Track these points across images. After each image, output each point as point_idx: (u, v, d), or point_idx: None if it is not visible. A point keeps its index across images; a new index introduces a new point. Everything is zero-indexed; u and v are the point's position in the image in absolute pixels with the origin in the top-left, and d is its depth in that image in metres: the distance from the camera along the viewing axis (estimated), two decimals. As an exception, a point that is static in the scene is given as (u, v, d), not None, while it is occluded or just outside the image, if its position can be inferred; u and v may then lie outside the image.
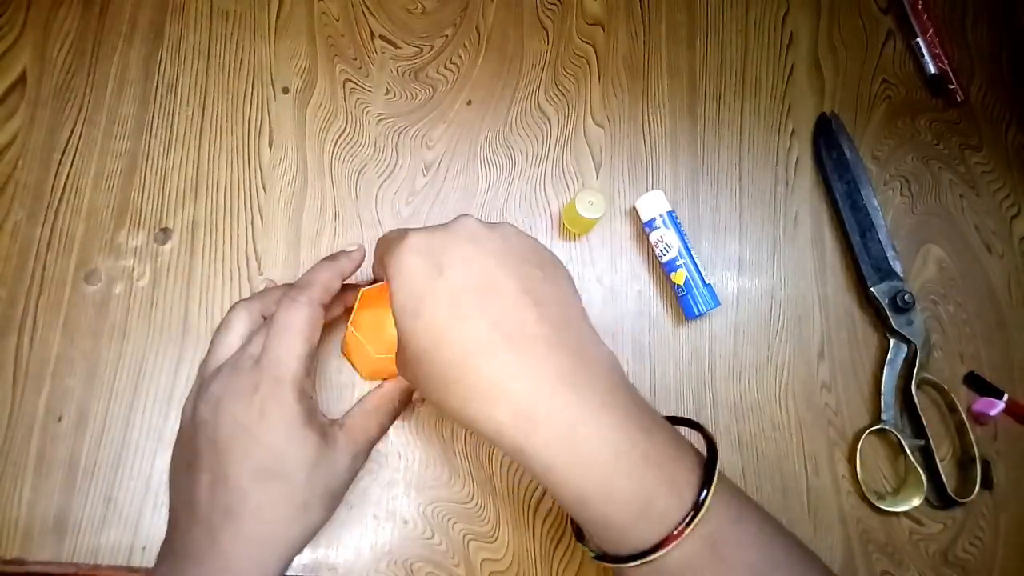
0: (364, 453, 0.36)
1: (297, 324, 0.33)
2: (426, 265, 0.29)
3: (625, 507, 0.27)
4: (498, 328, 0.28)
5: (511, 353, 0.28)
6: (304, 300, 0.34)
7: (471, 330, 0.28)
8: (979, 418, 0.46)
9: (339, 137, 0.47)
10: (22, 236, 0.43)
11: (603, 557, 0.30)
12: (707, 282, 0.45)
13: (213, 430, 0.32)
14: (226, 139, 0.46)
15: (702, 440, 0.32)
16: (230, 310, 0.36)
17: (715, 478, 0.28)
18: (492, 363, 0.28)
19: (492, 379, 0.28)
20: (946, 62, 0.52)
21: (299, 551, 0.32)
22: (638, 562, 0.27)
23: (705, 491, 0.27)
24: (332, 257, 0.38)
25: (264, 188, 0.45)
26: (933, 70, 0.51)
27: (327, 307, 0.36)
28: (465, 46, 0.50)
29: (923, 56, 0.51)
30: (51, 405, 0.41)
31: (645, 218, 0.46)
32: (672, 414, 0.35)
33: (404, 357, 0.31)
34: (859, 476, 0.44)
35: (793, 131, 0.51)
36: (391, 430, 0.42)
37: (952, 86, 0.51)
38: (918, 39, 0.51)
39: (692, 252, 0.45)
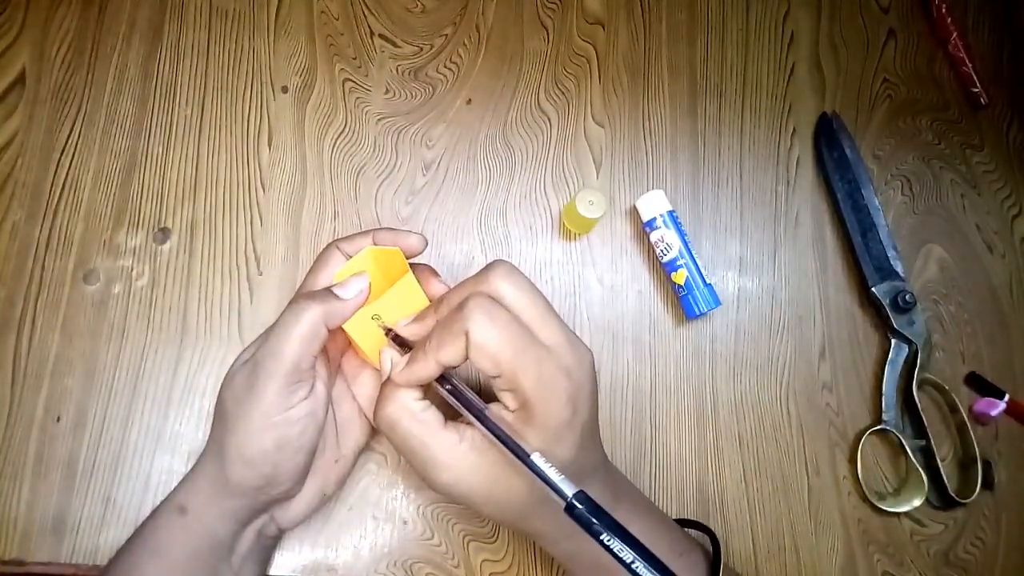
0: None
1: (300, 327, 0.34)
2: (570, 401, 0.31)
3: None
4: (594, 460, 0.34)
5: (593, 479, 0.34)
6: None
7: (586, 461, 0.33)
8: (980, 418, 0.46)
9: (338, 136, 0.47)
10: (21, 236, 0.43)
11: None
12: (708, 282, 0.44)
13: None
14: (225, 138, 0.46)
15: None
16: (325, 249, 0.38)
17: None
18: (584, 486, 0.31)
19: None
20: (970, 66, 0.52)
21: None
22: None
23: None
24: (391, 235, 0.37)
25: (263, 187, 0.45)
26: (978, 94, 0.52)
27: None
28: (465, 45, 0.50)
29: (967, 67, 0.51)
30: (50, 405, 0.41)
31: (645, 218, 0.45)
32: (680, 517, 0.41)
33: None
34: (860, 476, 0.44)
35: (794, 130, 0.51)
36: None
37: (976, 89, 0.51)
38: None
39: (693, 252, 0.45)
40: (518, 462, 0.29)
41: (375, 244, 0.36)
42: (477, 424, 0.31)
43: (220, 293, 0.43)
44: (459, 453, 0.31)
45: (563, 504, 0.28)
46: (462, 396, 0.32)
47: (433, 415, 0.32)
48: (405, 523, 0.41)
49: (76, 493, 0.39)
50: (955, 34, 0.52)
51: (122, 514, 0.40)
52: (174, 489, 0.35)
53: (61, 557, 0.39)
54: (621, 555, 0.27)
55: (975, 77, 0.52)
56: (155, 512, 0.35)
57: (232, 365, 0.35)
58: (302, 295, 0.34)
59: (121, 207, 0.44)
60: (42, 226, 0.43)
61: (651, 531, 0.35)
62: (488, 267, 0.33)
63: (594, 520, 0.27)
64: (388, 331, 0.35)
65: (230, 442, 0.33)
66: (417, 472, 0.32)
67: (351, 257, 0.36)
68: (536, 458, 0.29)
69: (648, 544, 0.32)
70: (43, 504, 0.39)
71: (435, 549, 0.41)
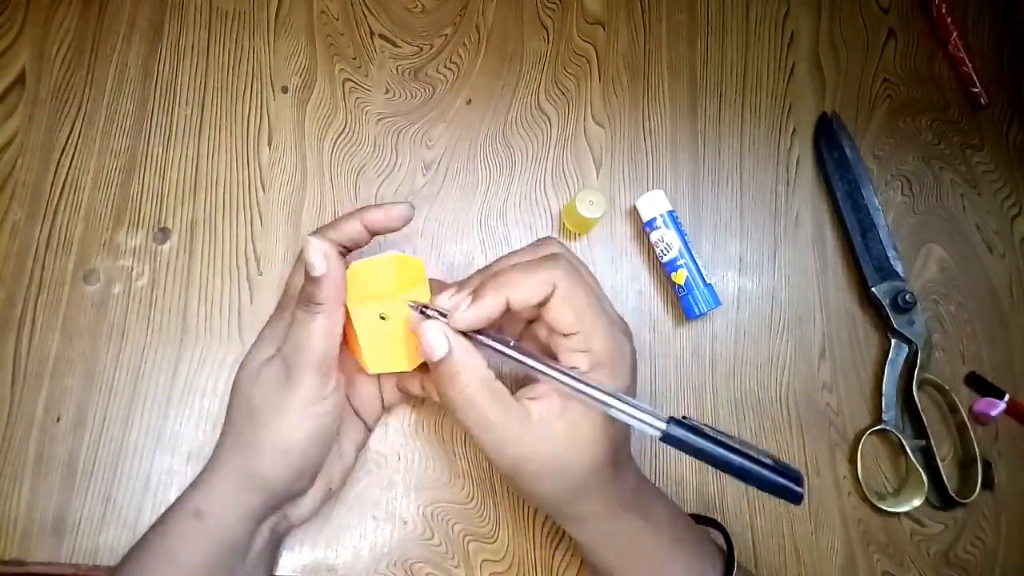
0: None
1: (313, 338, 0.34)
2: (632, 370, 0.34)
3: None
4: (626, 446, 0.35)
5: (629, 458, 0.35)
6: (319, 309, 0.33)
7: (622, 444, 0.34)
8: (980, 418, 0.46)
9: (338, 136, 0.47)
10: (21, 236, 0.43)
11: None
12: (708, 282, 0.44)
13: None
14: (225, 138, 0.46)
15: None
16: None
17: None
18: (617, 468, 0.34)
19: (611, 482, 0.33)
20: (970, 66, 0.52)
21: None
22: None
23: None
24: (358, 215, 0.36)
25: (263, 187, 0.45)
26: (978, 94, 0.52)
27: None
28: (465, 45, 0.50)
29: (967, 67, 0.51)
30: (50, 405, 0.41)
31: (645, 218, 0.45)
32: (693, 512, 0.40)
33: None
34: (860, 476, 0.44)
35: (794, 130, 0.51)
36: (390, 431, 0.42)
37: (976, 89, 0.51)
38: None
39: (693, 252, 0.45)
40: (600, 405, 0.30)
41: (364, 225, 0.35)
42: (558, 376, 0.31)
43: (220, 293, 0.43)
44: (530, 426, 0.31)
45: (658, 435, 0.30)
46: (532, 355, 0.32)
47: (502, 388, 0.32)
48: (405, 523, 0.41)
49: (76, 493, 0.39)
50: (955, 34, 0.52)
51: (122, 514, 0.40)
52: (185, 494, 0.35)
53: (61, 557, 0.39)
54: (726, 465, 0.29)
55: (975, 77, 0.52)
56: (166, 518, 0.35)
57: (246, 366, 0.36)
58: (303, 292, 0.34)
59: (121, 207, 0.44)
60: (42, 226, 0.43)
61: (673, 520, 0.36)
62: (543, 242, 0.35)
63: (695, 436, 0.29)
64: (422, 308, 0.33)
65: (263, 436, 0.34)
66: (486, 449, 0.32)
67: (338, 244, 0.35)
68: (619, 398, 0.30)
69: (671, 533, 0.35)
70: (43, 504, 0.39)
71: (435, 549, 0.41)
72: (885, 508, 0.44)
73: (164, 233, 0.44)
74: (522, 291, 0.31)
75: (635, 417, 0.30)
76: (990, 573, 0.44)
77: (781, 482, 0.28)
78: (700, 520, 0.39)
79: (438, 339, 0.31)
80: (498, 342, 0.32)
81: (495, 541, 0.41)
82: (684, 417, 0.30)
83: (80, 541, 0.39)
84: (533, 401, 0.32)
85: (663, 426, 0.29)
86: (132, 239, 0.44)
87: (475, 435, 0.32)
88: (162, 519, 0.35)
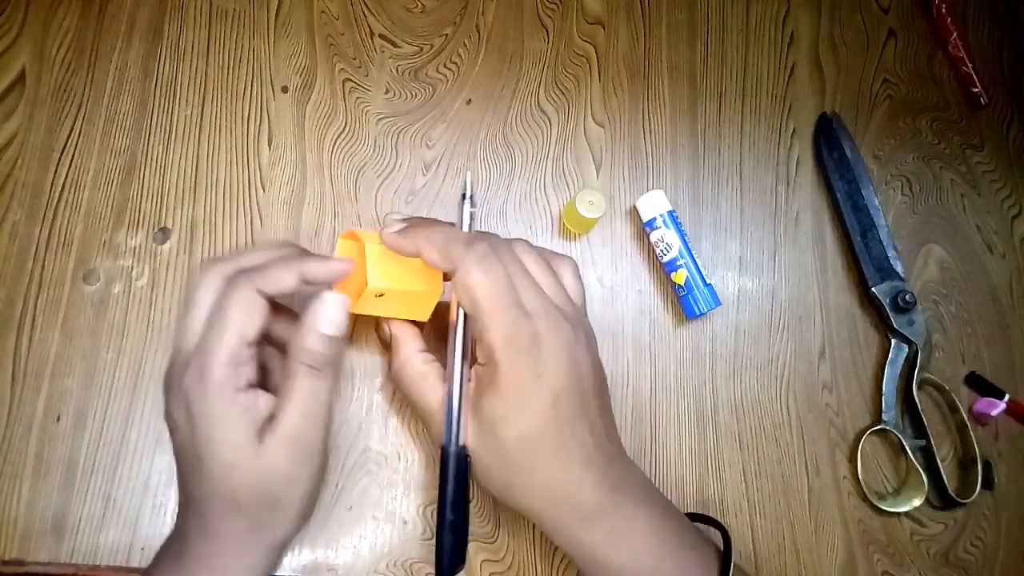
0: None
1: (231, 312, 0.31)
2: (533, 363, 0.32)
3: None
4: (581, 445, 0.33)
5: (584, 467, 0.33)
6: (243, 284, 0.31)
7: (565, 440, 0.33)
8: (980, 418, 0.46)
9: (338, 136, 0.47)
10: (21, 236, 0.43)
11: None
12: (708, 282, 0.44)
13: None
14: (225, 138, 0.46)
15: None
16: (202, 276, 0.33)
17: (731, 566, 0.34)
18: (568, 473, 0.33)
19: (562, 485, 0.33)
20: (970, 66, 0.52)
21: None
22: None
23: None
24: (303, 256, 0.35)
25: (263, 187, 0.45)
26: (978, 94, 0.52)
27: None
28: (465, 45, 0.50)
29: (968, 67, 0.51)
30: (49, 405, 0.41)
31: (645, 218, 0.45)
32: (691, 511, 0.40)
33: (491, 433, 0.33)
34: (860, 476, 0.44)
35: (794, 130, 0.51)
36: (390, 431, 0.42)
37: (976, 89, 0.51)
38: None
39: (693, 252, 0.45)
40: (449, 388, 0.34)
41: (302, 278, 0.33)
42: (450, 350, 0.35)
43: (220, 293, 0.43)
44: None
45: (450, 446, 0.33)
46: (453, 339, 0.35)
47: (433, 368, 0.36)
48: (405, 523, 0.41)
49: (76, 493, 0.39)
50: (955, 34, 0.52)
51: (122, 514, 0.39)
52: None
53: (61, 557, 0.39)
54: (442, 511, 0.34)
55: (975, 77, 0.52)
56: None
57: (239, 463, 0.30)
58: (312, 355, 0.32)
59: (121, 207, 0.44)
60: (42, 226, 0.43)
61: (660, 524, 0.34)
62: (474, 239, 0.35)
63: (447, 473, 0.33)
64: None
65: (290, 514, 0.32)
66: (422, 423, 0.36)
67: (264, 294, 0.32)
68: (455, 395, 0.34)
69: (657, 538, 0.34)
70: (43, 504, 0.39)
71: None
72: (885, 508, 0.44)
73: (164, 233, 0.44)
74: (430, 253, 0.33)
75: (452, 414, 0.34)
76: (990, 573, 0.44)
77: (441, 554, 0.34)
78: (698, 519, 0.39)
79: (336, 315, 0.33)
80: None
81: (495, 541, 0.41)
82: (467, 458, 0.34)
83: (80, 541, 0.39)
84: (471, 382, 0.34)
85: (453, 447, 0.34)
86: (132, 239, 0.44)
87: (411, 408, 0.37)
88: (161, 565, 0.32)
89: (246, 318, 0.31)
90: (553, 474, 0.32)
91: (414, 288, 0.36)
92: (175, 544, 0.33)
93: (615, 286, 0.46)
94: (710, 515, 0.39)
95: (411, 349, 0.36)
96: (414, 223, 0.35)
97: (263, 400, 0.31)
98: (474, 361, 0.35)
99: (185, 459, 0.31)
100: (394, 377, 0.37)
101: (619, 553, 0.33)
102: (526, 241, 0.36)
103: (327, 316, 0.31)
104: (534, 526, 0.41)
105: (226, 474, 0.30)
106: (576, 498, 0.32)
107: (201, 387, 0.30)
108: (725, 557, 0.35)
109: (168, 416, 0.32)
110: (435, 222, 0.36)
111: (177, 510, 0.35)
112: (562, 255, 0.38)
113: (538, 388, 0.32)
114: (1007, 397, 0.45)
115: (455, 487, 0.34)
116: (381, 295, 0.35)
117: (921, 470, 0.44)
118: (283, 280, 0.32)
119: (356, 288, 0.35)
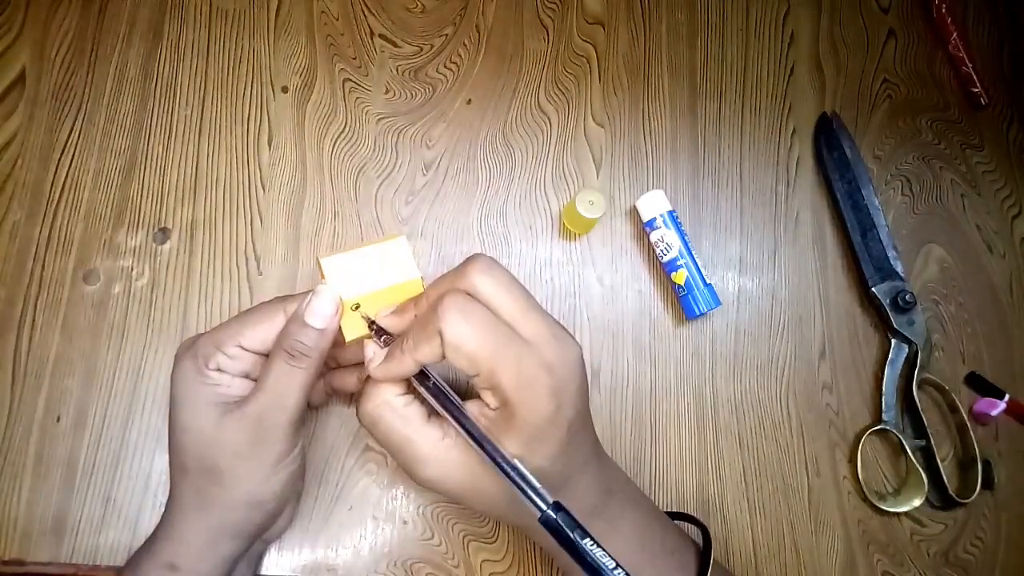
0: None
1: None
2: (553, 397, 0.30)
3: None
4: (582, 452, 0.33)
5: (583, 472, 0.33)
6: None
7: (572, 457, 0.32)
8: (980, 418, 0.46)
9: (338, 136, 0.47)
10: (21, 236, 0.43)
11: None
12: (708, 282, 0.44)
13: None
14: (225, 138, 0.46)
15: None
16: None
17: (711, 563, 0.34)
18: (568, 481, 0.32)
19: (561, 494, 0.32)
20: (970, 66, 0.52)
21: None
22: None
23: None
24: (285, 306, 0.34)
25: (263, 187, 0.45)
26: (978, 94, 0.51)
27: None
28: (465, 45, 0.50)
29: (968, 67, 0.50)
30: (50, 405, 0.41)
31: (645, 218, 0.45)
32: (675, 510, 0.40)
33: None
34: (860, 476, 0.44)
35: (794, 130, 0.51)
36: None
37: (976, 89, 0.51)
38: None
39: (693, 252, 0.45)
40: (495, 467, 0.29)
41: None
42: (454, 425, 0.31)
43: (220, 293, 0.43)
44: (442, 449, 0.31)
45: (538, 514, 0.28)
46: (440, 395, 0.31)
47: (415, 411, 0.32)
48: (405, 523, 0.41)
49: (76, 493, 0.39)
50: (955, 34, 0.52)
51: (122, 514, 0.39)
52: (155, 545, 0.33)
53: (61, 557, 0.39)
54: (597, 565, 0.27)
55: (975, 77, 0.52)
56: (138, 568, 0.33)
57: (194, 427, 0.32)
58: (292, 342, 0.32)
59: (121, 207, 0.44)
60: (42, 226, 0.43)
61: (643, 527, 0.35)
62: (466, 261, 0.32)
63: (568, 531, 0.28)
64: (371, 323, 0.34)
65: (231, 495, 0.32)
66: (403, 468, 0.32)
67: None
68: (511, 463, 0.29)
69: (638, 543, 0.33)
70: (43, 504, 0.39)
71: (435, 549, 0.41)
72: (885, 508, 0.44)
73: (164, 233, 0.44)
74: (422, 351, 0.30)
75: (520, 488, 0.29)
76: (990, 573, 0.44)
77: None
78: (679, 517, 0.38)
79: (367, 354, 0.32)
80: (423, 375, 0.32)
81: (495, 541, 0.41)
82: (563, 509, 0.29)
83: (80, 541, 0.39)
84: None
85: (544, 508, 0.28)
86: (132, 239, 0.44)
87: (390, 454, 0.32)
88: (134, 565, 0.34)
89: (260, 324, 0.33)
90: (556, 490, 0.31)
91: (389, 284, 0.34)
92: None
93: (615, 286, 0.46)
94: (692, 514, 0.38)
95: (388, 391, 0.32)
96: (395, 343, 0.32)
97: (238, 383, 0.33)
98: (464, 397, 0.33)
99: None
100: (367, 418, 0.32)
101: (615, 552, 0.32)
102: (480, 258, 0.32)
103: (315, 307, 0.31)
104: (534, 526, 0.41)
105: (178, 437, 0.33)
106: (571, 504, 0.31)
107: (187, 355, 0.33)
108: (704, 557, 0.35)
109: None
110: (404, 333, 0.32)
111: None
112: (475, 259, 0.32)
113: (557, 420, 0.30)
114: (1007, 397, 0.45)
115: (581, 548, 0.28)
116: (357, 307, 0.33)
117: (921, 470, 0.44)
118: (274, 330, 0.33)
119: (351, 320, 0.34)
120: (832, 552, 0.43)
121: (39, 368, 0.41)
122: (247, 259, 0.44)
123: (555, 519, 0.28)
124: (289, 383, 0.32)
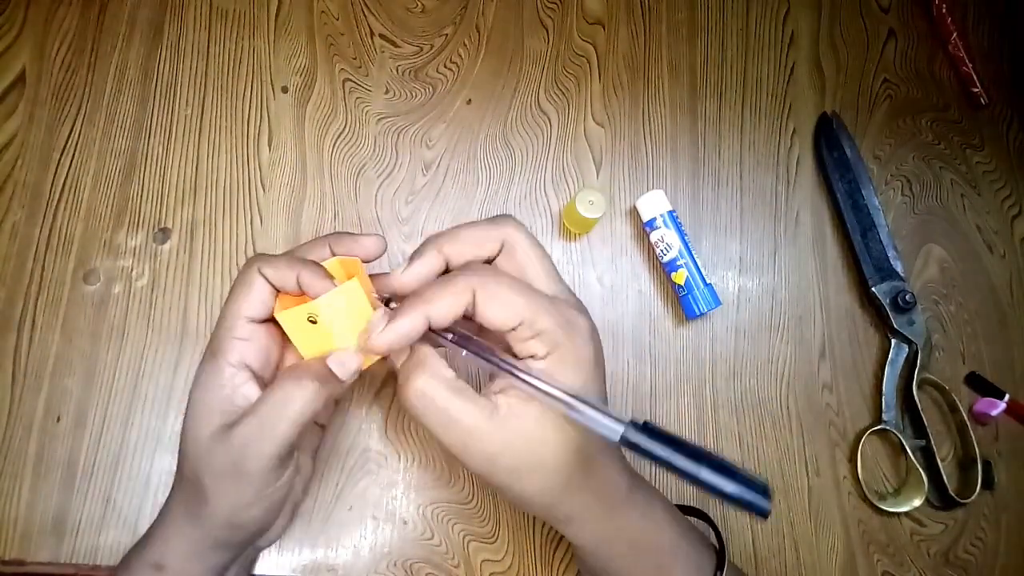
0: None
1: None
2: (592, 338, 0.32)
3: None
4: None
5: (614, 452, 0.33)
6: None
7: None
8: (980, 418, 0.46)
9: (338, 136, 0.47)
10: (21, 236, 0.43)
11: None
12: (708, 282, 0.44)
13: None
14: (225, 138, 0.46)
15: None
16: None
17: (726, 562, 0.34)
18: (607, 456, 0.33)
19: (606, 469, 0.33)
20: (970, 66, 0.52)
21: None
22: None
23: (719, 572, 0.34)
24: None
25: (263, 187, 0.45)
26: (978, 94, 0.51)
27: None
28: (465, 45, 0.50)
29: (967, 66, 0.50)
30: (50, 405, 0.41)
31: (645, 218, 0.45)
32: (680, 503, 0.39)
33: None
34: (860, 476, 0.44)
35: (794, 130, 0.51)
36: (390, 431, 0.42)
37: (976, 89, 0.51)
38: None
39: (693, 252, 0.45)
40: (561, 405, 0.29)
41: (332, 251, 0.34)
42: (515, 375, 0.29)
43: (220, 293, 0.43)
44: (499, 420, 0.29)
45: (617, 436, 0.28)
46: (488, 352, 0.30)
47: (464, 384, 0.30)
48: (405, 523, 0.41)
49: (76, 493, 0.39)
50: (955, 34, 0.52)
51: (122, 514, 0.40)
52: (145, 543, 0.34)
53: (61, 557, 0.39)
54: (689, 473, 0.27)
55: (975, 77, 0.52)
56: (128, 566, 0.33)
57: (192, 439, 0.31)
58: (297, 371, 0.31)
59: (121, 207, 0.44)
60: (42, 226, 0.43)
61: (667, 502, 0.35)
62: (499, 218, 0.33)
63: (652, 444, 0.28)
64: (386, 300, 0.32)
65: (217, 512, 0.32)
66: (455, 450, 0.30)
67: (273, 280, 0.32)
68: (578, 396, 0.29)
69: (672, 513, 0.34)
70: (43, 504, 0.39)
71: (435, 549, 0.41)
72: (885, 508, 0.44)
73: (164, 233, 0.44)
74: (441, 307, 0.29)
75: (592, 417, 0.28)
76: (990, 573, 0.44)
77: (747, 496, 0.27)
78: (686, 511, 0.38)
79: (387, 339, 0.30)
80: (454, 337, 0.31)
81: (495, 541, 0.41)
82: (646, 423, 0.28)
83: (80, 541, 0.39)
84: (500, 394, 0.30)
85: (621, 429, 0.28)
86: (132, 239, 0.44)
87: (440, 436, 0.30)
88: (124, 566, 0.34)
89: (243, 293, 0.32)
90: (601, 451, 0.32)
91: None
92: None
93: (615, 286, 0.46)
94: (700, 508, 0.39)
95: (435, 365, 0.30)
96: (401, 304, 0.31)
97: (248, 387, 0.32)
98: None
99: None
100: (417, 397, 0.30)
101: (656, 528, 0.33)
102: (511, 218, 0.33)
103: (339, 357, 0.31)
104: (534, 526, 0.41)
105: (183, 439, 0.32)
106: (615, 480, 0.33)
107: (206, 353, 0.33)
108: (720, 551, 0.35)
109: None
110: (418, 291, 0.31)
111: None
112: (507, 217, 0.33)
113: (600, 361, 0.32)
114: (1007, 397, 0.45)
115: (677, 451, 0.27)
116: (314, 321, 0.32)
117: (921, 470, 0.44)
118: (284, 275, 0.32)
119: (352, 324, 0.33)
120: (832, 552, 0.43)
121: (39, 368, 0.41)
122: (247, 259, 0.44)
123: (641, 428, 0.28)
124: (282, 413, 0.30)
